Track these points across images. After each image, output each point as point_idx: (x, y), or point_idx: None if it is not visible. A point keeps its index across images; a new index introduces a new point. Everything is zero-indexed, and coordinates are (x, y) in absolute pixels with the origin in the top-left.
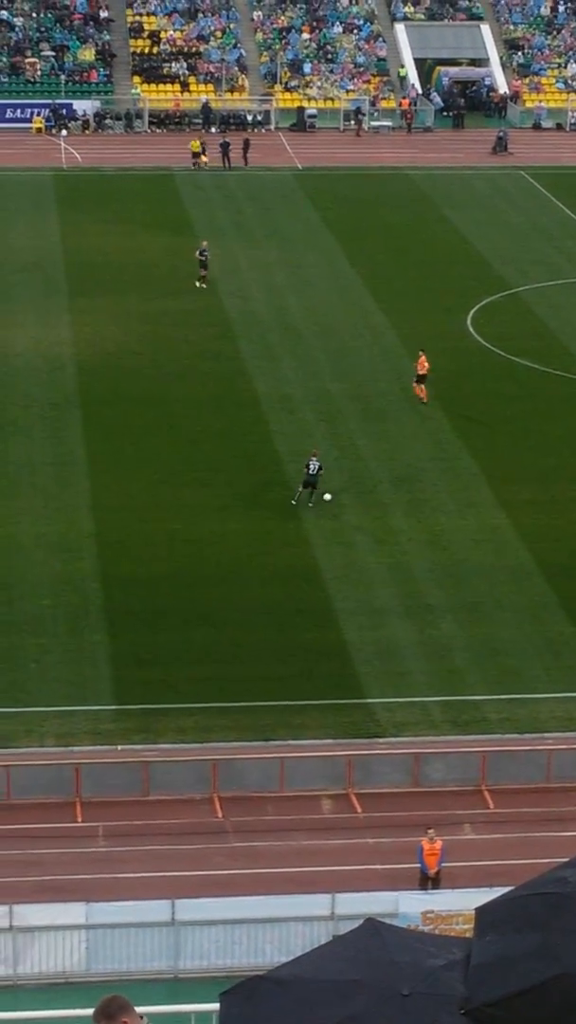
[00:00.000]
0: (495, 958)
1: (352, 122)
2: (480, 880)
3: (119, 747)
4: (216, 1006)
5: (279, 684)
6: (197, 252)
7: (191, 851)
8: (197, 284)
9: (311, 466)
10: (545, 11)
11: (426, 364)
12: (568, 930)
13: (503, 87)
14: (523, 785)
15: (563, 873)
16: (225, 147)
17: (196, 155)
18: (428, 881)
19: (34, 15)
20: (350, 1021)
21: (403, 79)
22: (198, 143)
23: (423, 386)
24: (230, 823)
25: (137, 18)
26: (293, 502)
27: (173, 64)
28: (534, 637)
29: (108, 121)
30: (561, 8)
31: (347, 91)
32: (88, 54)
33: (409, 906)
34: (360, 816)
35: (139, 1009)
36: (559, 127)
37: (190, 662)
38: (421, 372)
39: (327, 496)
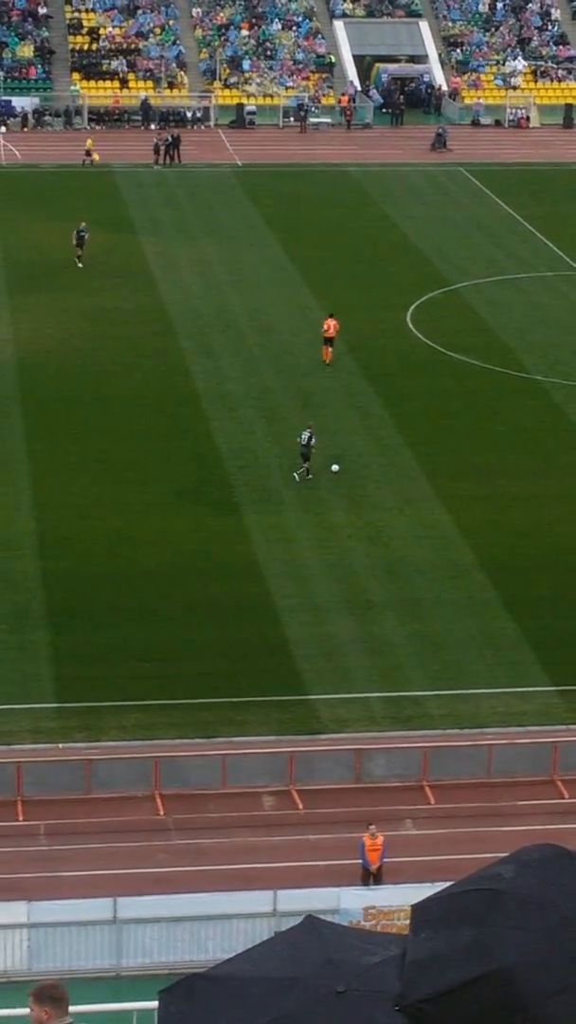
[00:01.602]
0: (430, 955)
1: (293, 119)
2: (422, 875)
3: (60, 745)
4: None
5: (221, 681)
6: (75, 232)
7: (133, 849)
8: (77, 263)
9: (303, 437)
10: (483, 8)
11: (331, 325)
12: (502, 926)
13: (442, 84)
14: (464, 780)
15: (499, 869)
16: (168, 143)
17: (88, 153)
18: (370, 877)
19: None
20: (286, 1018)
21: (332, 66)
22: (91, 142)
23: (330, 348)
24: (172, 820)
25: (76, 15)
26: (295, 477)
27: (112, 61)
28: (474, 633)
29: (47, 118)
30: (499, 5)
31: (287, 88)
32: (27, 51)
33: (351, 902)
34: (302, 812)
35: (81, 1008)
36: (497, 123)
37: (132, 659)
38: (328, 335)
39: (334, 467)
